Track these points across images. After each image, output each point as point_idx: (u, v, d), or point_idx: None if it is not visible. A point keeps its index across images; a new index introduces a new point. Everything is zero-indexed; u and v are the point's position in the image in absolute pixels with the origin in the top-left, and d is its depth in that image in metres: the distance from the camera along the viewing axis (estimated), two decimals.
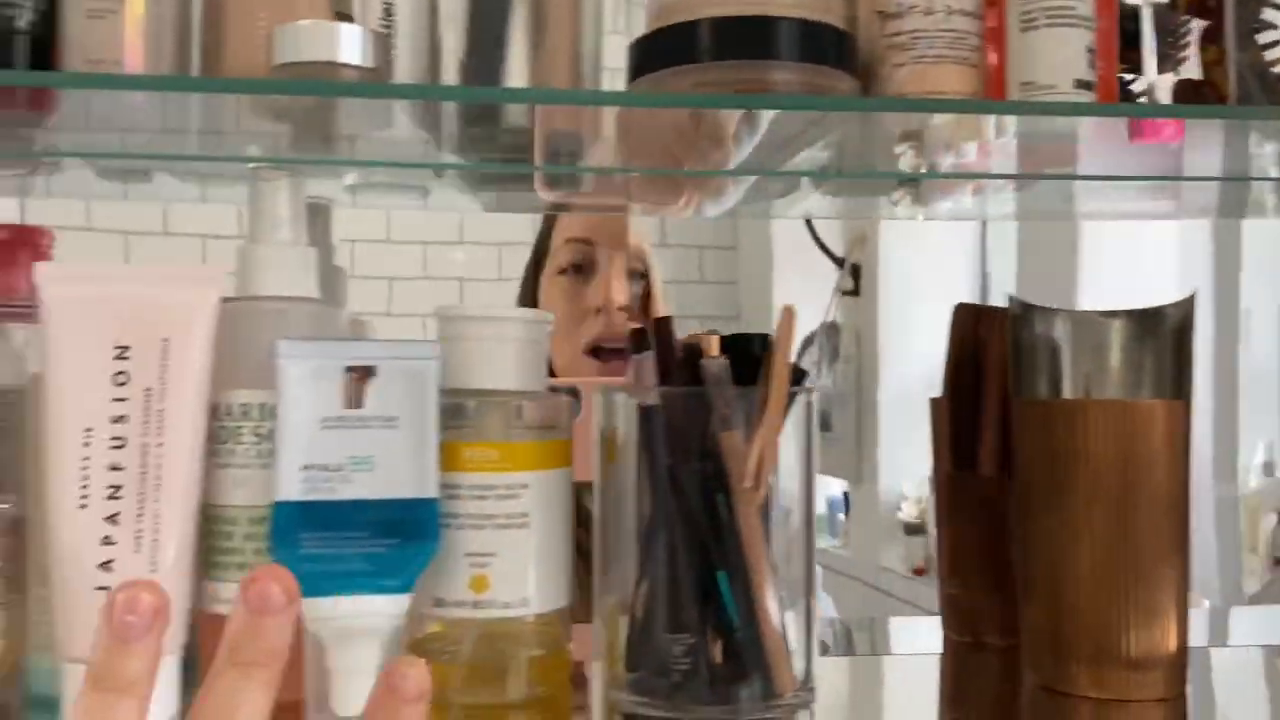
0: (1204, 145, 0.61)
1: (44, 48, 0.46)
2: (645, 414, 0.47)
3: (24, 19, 0.45)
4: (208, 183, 0.59)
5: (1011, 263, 2.26)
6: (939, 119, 0.55)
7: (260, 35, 0.47)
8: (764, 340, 0.50)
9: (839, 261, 2.52)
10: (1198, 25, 0.58)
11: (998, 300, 0.58)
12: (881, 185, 0.68)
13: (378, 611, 0.44)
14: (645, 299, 1.15)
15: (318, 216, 0.58)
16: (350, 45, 0.44)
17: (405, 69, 0.47)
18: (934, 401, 0.63)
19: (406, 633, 0.49)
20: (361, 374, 0.46)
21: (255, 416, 0.47)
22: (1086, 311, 0.54)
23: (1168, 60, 0.58)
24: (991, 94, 0.50)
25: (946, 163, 0.61)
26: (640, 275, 1.14)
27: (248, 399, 0.47)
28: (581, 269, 1.09)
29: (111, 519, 0.44)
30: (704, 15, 0.48)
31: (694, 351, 0.47)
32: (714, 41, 0.48)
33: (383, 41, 0.45)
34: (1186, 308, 0.51)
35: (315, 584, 0.44)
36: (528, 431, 0.49)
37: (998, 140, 0.63)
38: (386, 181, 0.58)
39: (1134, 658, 0.49)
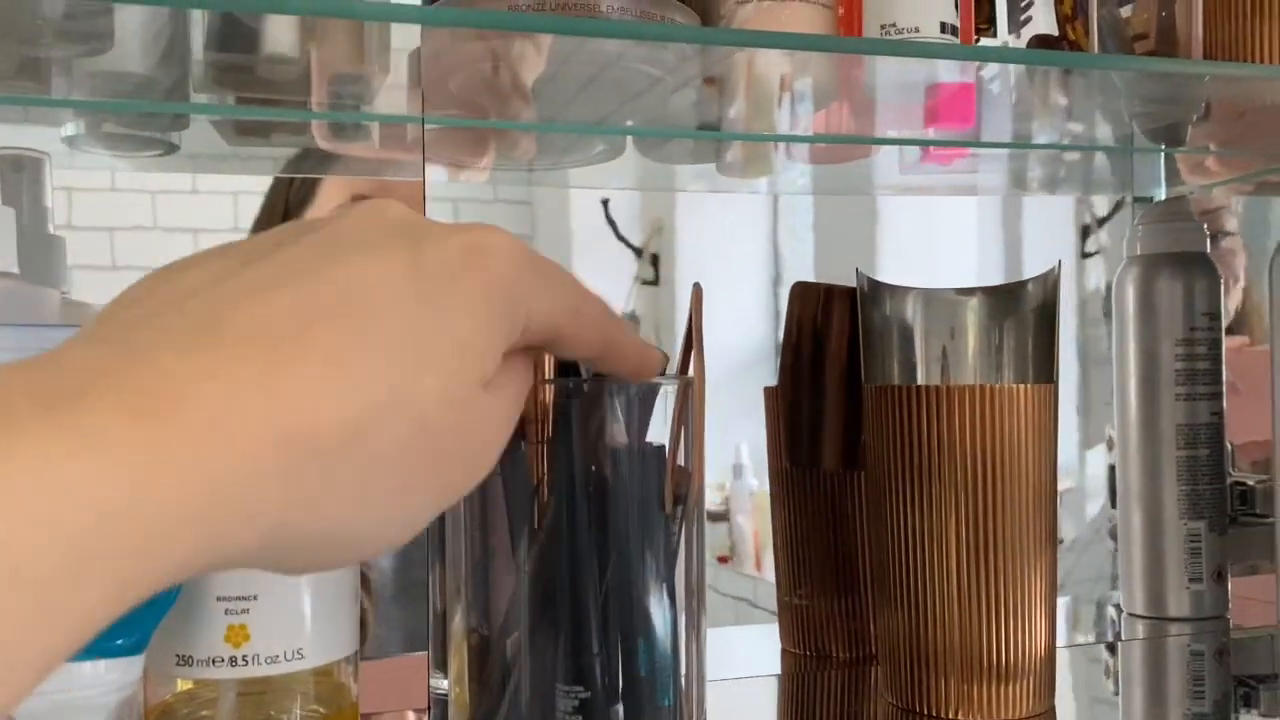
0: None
1: None
2: (561, 411, 0.38)
3: None
4: None
5: (809, 242, 2.27)
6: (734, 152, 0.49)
7: None
8: None
9: (637, 251, 2.48)
10: None
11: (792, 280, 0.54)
12: (681, 154, 0.62)
13: (96, 681, 0.34)
14: None
15: (24, 171, 0.46)
16: None
17: None
18: (769, 390, 0.57)
19: (146, 698, 0.38)
20: None
21: None
22: (941, 289, 0.48)
23: (1015, 16, 0.54)
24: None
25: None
26: None
27: None
28: None
29: None
30: None
31: None
32: None
33: None
34: (1049, 283, 0.47)
35: None
36: None
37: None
38: (118, 132, 0.46)
39: (1005, 666, 0.44)
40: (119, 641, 0.34)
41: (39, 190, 0.47)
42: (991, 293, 0.48)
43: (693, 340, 0.41)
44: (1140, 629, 0.62)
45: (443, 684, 0.49)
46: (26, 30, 0.35)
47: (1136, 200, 0.75)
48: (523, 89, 0.47)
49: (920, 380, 0.48)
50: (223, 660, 0.37)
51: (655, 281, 2.64)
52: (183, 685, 0.39)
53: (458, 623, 0.42)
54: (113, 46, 0.37)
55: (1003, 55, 0.45)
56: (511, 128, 0.50)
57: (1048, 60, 0.44)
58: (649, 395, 0.40)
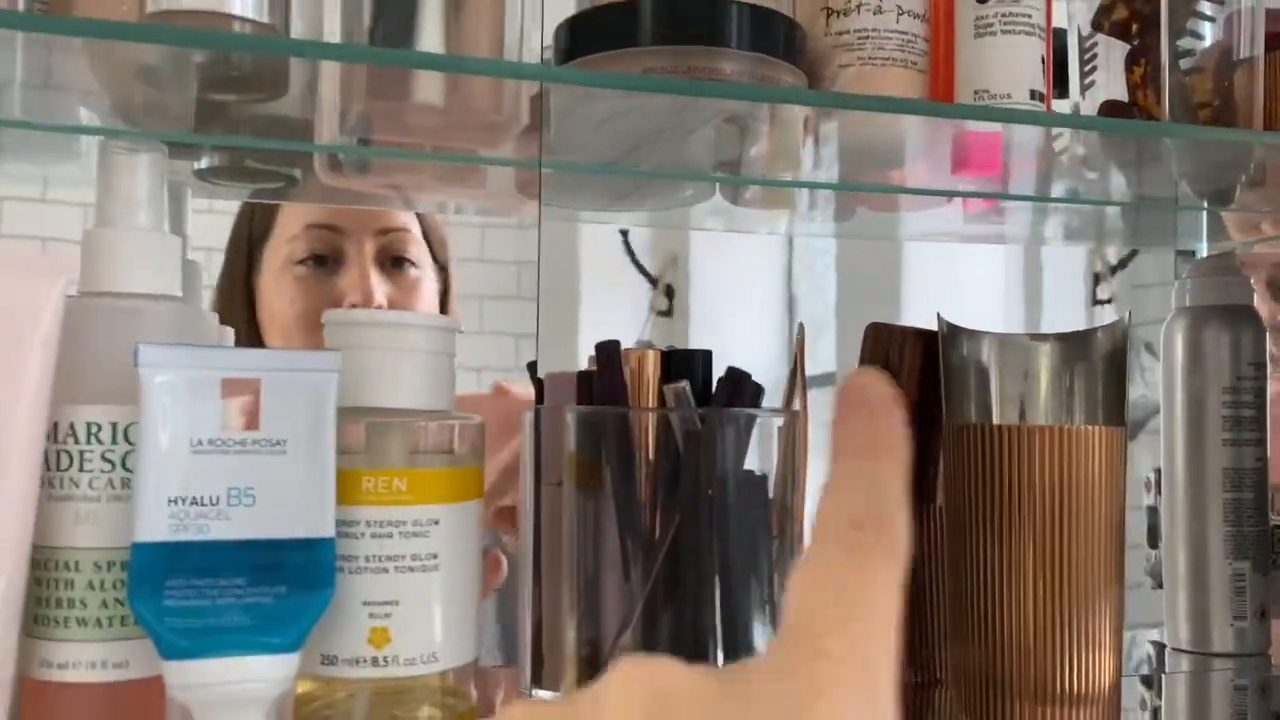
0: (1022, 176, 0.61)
1: None
2: (689, 439, 0.41)
3: None
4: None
5: (831, 280, 2.30)
6: (756, 150, 0.53)
7: None
8: (707, 357, 0.45)
9: (653, 281, 2.52)
10: (1108, 47, 0.58)
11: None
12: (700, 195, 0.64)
13: (260, 676, 0.37)
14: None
15: (170, 202, 0.49)
16: None
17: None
18: None
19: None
20: (243, 388, 0.38)
21: (105, 439, 0.38)
22: (1015, 335, 0.52)
23: (1082, 81, 0.57)
24: (937, 100, 0.47)
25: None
26: (440, 268, 1.03)
27: (96, 417, 0.38)
28: (325, 260, 0.96)
29: None
30: None
31: (734, 374, 0.42)
32: (658, 25, 0.43)
33: None
34: (1118, 332, 0.50)
35: (184, 643, 0.36)
36: (436, 458, 0.43)
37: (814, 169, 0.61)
38: (256, 167, 0.50)
39: (1076, 693, 0.47)
40: (283, 638, 0.37)
41: (181, 219, 0.50)
42: (1063, 339, 0.51)
43: (797, 377, 0.44)
44: (1185, 663, 0.65)
45: (541, 695, 0.51)
46: (215, 80, 0.38)
47: (1179, 254, 0.79)
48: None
49: (996, 419, 0.51)
50: (365, 661, 0.40)
51: (669, 313, 2.68)
52: (304, 686, 0.42)
53: (569, 635, 0.45)
54: (286, 94, 0.40)
55: (1094, 124, 0.48)
56: (628, 174, 0.54)
57: (1134, 129, 0.47)
58: (759, 428, 0.43)
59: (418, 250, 1.00)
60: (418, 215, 1.01)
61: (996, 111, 0.45)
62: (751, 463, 0.43)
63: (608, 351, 0.43)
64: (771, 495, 0.43)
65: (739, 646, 0.42)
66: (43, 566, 0.38)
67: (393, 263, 0.98)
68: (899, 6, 0.46)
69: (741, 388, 0.43)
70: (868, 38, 0.46)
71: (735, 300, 2.40)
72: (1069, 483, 0.47)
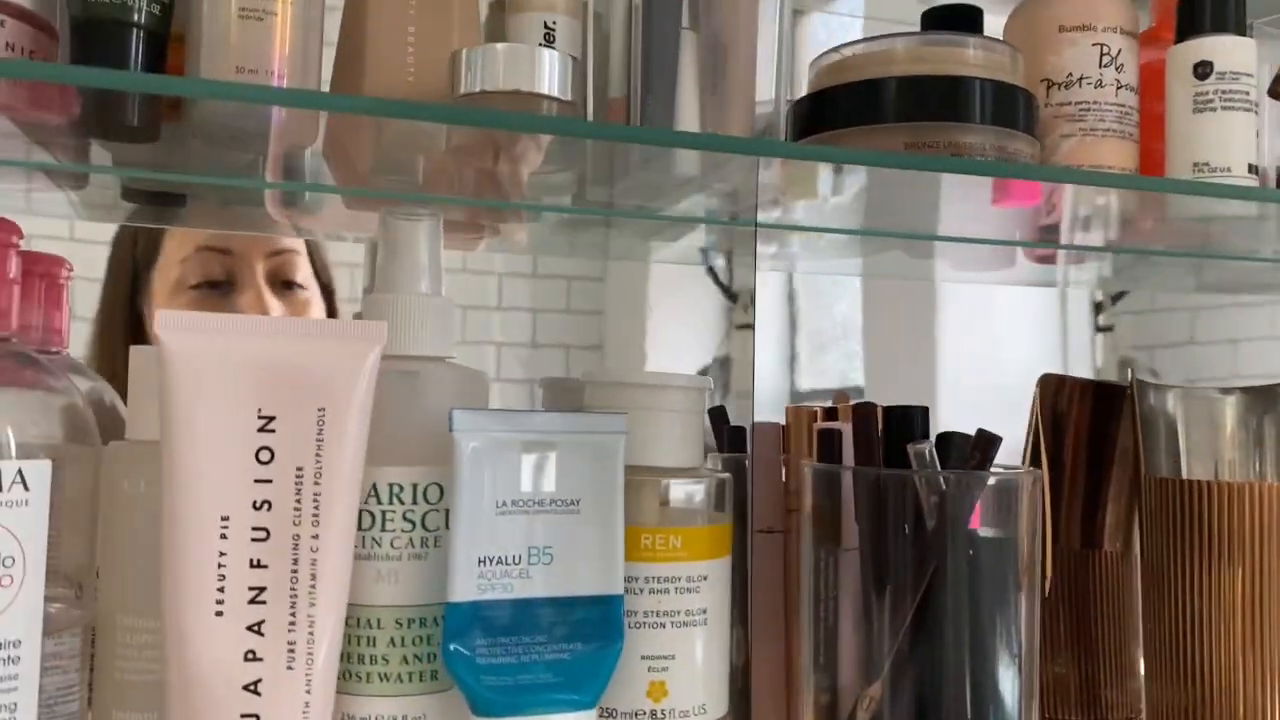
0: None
1: (159, 47, 0.38)
2: (941, 500, 0.43)
3: (142, 13, 0.37)
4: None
5: (833, 296, 2.30)
6: (768, 176, 0.54)
7: (408, 53, 0.41)
8: (924, 412, 0.47)
9: (733, 296, 2.52)
10: (1266, 109, 0.60)
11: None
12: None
13: None
14: None
15: None
16: (551, 74, 0.39)
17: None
18: None
19: None
20: (541, 450, 0.40)
21: (406, 499, 0.40)
22: (1202, 388, 0.54)
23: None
24: (1149, 171, 0.50)
25: (772, 217, 0.61)
26: (324, 288, 1.00)
27: (398, 478, 0.40)
28: (219, 284, 0.94)
29: (255, 628, 0.36)
30: (891, 74, 0.45)
31: (985, 437, 0.44)
32: (902, 101, 0.45)
33: (580, 71, 0.40)
34: None
35: (499, 700, 0.38)
36: (697, 515, 0.44)
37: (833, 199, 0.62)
38: (463, 220, 0.52)
39: None
40: (583, 694, 0.39)
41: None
42: (1249, 392, 0.54)
43: (1037, 437, 0.46)
44: None
45: None
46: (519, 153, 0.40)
47: None
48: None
49: (1186, 471, 0.53)
50: (644, 713, 0.42)
51: (751, 326, 2.67)
52: None
53: (809, 681, 0.47)
54: (567, 171, 0.42)
55: None
56: (843, 233, 0.55)
57: None
58: (1005, 487, 0.45)
59: (306, 271, 0.99)
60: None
61: (1225, 188, 0.47)
62: (999, 521, 0.45)
63: (864, 413, 0.44)
64: (1018, 553, 0.45)
65: (989, 702, 0.43)
66: (346, 623, 0.39)
67: (283, 285, 0.98)
68: (1117, 80, 0.48)
69: (991, 449, 0.44)
70: (1088, 110, 0.48)
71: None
72: (1270, 535, 0.49)
